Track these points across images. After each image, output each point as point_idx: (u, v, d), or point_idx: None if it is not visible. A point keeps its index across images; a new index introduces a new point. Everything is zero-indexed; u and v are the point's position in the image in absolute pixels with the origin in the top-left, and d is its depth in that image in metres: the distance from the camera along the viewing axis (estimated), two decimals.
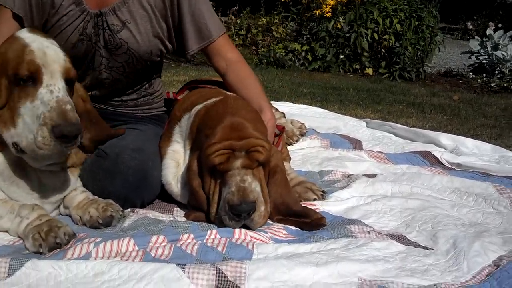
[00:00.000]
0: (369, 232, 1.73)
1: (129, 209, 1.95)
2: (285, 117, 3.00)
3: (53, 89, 1.58)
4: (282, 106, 3.65)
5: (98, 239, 1.59)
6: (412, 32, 6.84)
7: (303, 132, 2.97)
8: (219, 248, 1.61)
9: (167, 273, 1.39)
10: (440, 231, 1.72)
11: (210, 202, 1.81)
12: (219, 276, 1.41)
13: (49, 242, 1.57)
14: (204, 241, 1.65)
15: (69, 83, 1.66)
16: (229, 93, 2.09)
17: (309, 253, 1.55)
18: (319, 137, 2.94)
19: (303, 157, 2.63)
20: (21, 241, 1.64)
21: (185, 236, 1.67)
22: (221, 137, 1.73)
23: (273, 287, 1.40)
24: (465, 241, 1.63)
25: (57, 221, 1.65)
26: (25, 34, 1.66)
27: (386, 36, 6.77)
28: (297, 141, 2.88)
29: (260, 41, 7.59)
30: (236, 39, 7.69)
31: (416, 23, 6.86)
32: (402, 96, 5.06)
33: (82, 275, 1.40)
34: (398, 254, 1.58)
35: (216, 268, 1.43)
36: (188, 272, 1.40)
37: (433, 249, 1.64)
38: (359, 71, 6.95)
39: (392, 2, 7.05)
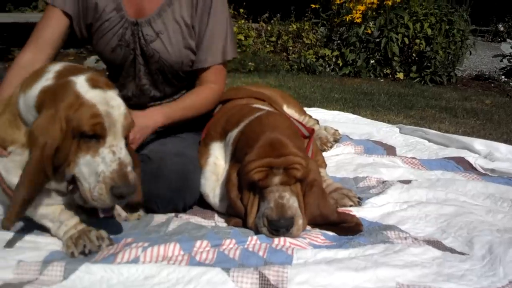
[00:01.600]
0: (405, 238, 1.77)
1: (173, 214, 2.04)
2: (318, 124, 3.06)
3: (115, 150, 1.61)
4: (315, 112, 3.70)
5: (146, 244, 1.67)
6: (443, 36, 6.80)
7: (337, 139, 3.02)
8: (260, 253, 1.68)
9: (213, 277, 1.47)
10: (475, 237, 1.75)
11: (248, 213, 1.88)
12: (262, 280, 1.48)
13: (78, 247, 1.66)
14: (246, 246, 1.72)
15: (126, 138, 1.70)
16: (266, 108, 2.15)
17: (347, 259, 1.60)
18: (352, 144, 2.98)
19: (337, 163, 2.67)
20: None
21: (227, 241, 1.74)
22: (260, 154, 1.80)
23: None
24: (501, 247, 1.66)
25: (90, 228, 1.74)
26: (88, 91, 1.61)
27: (417, 41, 6.75)
28: (331, 147, 2.92)
29: (291, 48, 7.64)
30: (267, 46, 7.76)
31: (447, 27, 6.82)
32: (434, 101, 5.04)
33: (133, 278, 1.48)
34: (434, 260, 1.62)
35: (259, 272, 1.50)
36: (233, 276, 1.47)
37: (469, 254, 1.67)
38: (390, 76, 6.94)
39: (423, 6, 7.03)
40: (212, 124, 2.24)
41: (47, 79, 1.65)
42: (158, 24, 2.21)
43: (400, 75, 6.82)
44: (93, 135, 1.58)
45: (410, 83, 6.45)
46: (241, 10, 8.66)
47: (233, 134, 2.02)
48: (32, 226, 1.84)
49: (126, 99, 2.24)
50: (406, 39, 6.82)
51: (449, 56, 6.79)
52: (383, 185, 2.33)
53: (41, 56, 2.17)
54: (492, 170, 2.52)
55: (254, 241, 1.75)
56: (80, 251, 1.66)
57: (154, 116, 2.11)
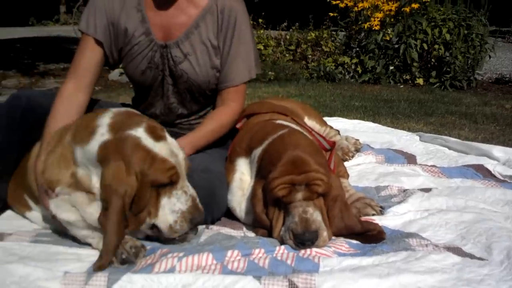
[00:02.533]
0: (426, 245, 1.85)
1: (203, 226, 2.15)
2: (339, 135, 3.15)
3: (186, 190, 1.89)
4: (336, 122, 3.81)
5: (181, 254, 1.78)
6: (461, 41, 6.84)
7: (358, 148, 3.11)
8: (288, 262, 1.78)
9: (246, 285, 1.57)
10: (494, 243, 1.83)
11: (273, 226, 1.99)
12: (291, 286, 1.58)
13: (118, 258, 1.79)
14: (274, 255, 1.82)
15: None
16: (289, 125, 2.25)
17: (371, 266, 1.69)
18: (373, 153, 3.07)
19: (359, 173, 2.76)
20: None
21: (257, 250, 1.84)
22: (282, 172, 1.90)
23: None
24: None
25: (127, 238, 1.86)
26: (155, 145, 1.81)
27: (436, 46, 6.80)
28: (352, 157, 3.01)
29: (310, 56, 7.75)
30: (287, 54, 7.87)
31: (465, 31, 6.86)
32: (454, 107, 5.09)
33: (171, 286, 1.59)
34: (454, 265, 1.70)
35: (288, 279, 1.60)
36: (264, 284, 1.58)
37: (487, 260, 1.75)
38: (410, 82, 6.99)
39: (441, 11, 7.09)
40: (238, 140, 2.35)
41: (102, 134, 1.83)
42: (186, 46, 2.33)
43: (420, 81, 6.87)
44: (169, 183, 1.84)
45: (430, 88, 6.49)
46: (260, 20, 8.80)
47: (258, 151, 2.12)
48: (73, 239, 1.98)
49: (154, 117, 2.41)
50: (425, 45, 6.87)
51: (468, 61, 6.83)
52: (404, 194, 2.41)
53: (82, 85, 2.30)
54: (511, 177, 2.58)
55: (282, 250, 1.85)
56: (120, 261, 1.78)
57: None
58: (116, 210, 1.73)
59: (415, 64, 6.93)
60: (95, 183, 1.83)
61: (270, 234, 2.01)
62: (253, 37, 2.50)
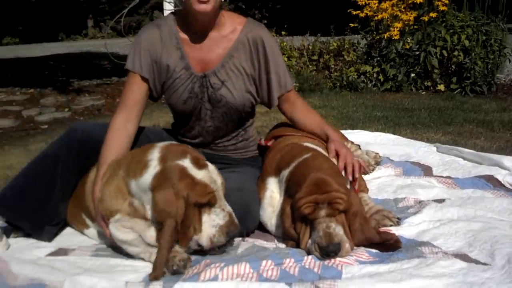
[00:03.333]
0: (437, 253, 2.10)
1: (240, 238, 2.44)
2: (360, 149, 3.41)
3: (224, 208, 2.19)
4: (357, 135, 4.07)
5: (222, 264, 2.05)
6: (480, 47, 7.01)
7: (378, 161, 3.37)
8: (315, 270, 2.05)
9: None
10: (497, 249, 2.06)
11: (301, 240, 2.26)
12: None
13: (169, 269, 2.08)
14: (303, 264, 2.09)
15: None
16: (315, 149, 2.52)
17: (387, 272, 1.95)
18: (392, 166, 3.32)
19: (379, 185, 3.01)
20: None
21: (287, 260, 2.11)
22: (307, 192, 2.17)
23: None
24: None
25: (175, 251, 2.15)
26: (197, 172, 2.13)
27: (455, 53, 6.98)
28: (373, 170, 3.27)
29: (333, 66, 7.98)
30: (310, 65, 8.12)
31: (484, 37, 7.04)
32: (473, 114, 5.29)
33: None
34: (460, 270, 1.94)
35: (315, 285, 1.87)
36: None
37: (490, 265, 1.98)
38: (431, 88, 7.18)
39: (459, 18, 7.27)
40: (268, 161, 2.63)
41: (155, 167, 2.15)
42: (222, 74, 2.63)
43: (441, 87, 7.06)
44: (208, 203, 2.15)
45: (450, 94, 6.67)
46: (283, 33, 9.08)
47: (286, 173, 2.40)
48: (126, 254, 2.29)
49: (192, 138, 2.71)
50: (444, 52, 7.06)
51: (488, 66, 6.98)
52: (420, 205, 2.65)
53: (131, 116, 2.60)
54: None
55: (309, 260, 2.11)
56: (171, 272, 2.08)
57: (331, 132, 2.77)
58: (170, 229, 2.06)
59: (435, 70, 7.12)
60: (148, 209, 2.16)
61: (298, 246, 2.29)
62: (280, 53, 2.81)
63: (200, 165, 2.16)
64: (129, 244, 2.25)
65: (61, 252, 2.39)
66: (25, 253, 2.38)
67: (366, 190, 2.76)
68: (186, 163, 2.13)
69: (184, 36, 2.66)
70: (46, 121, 6.86)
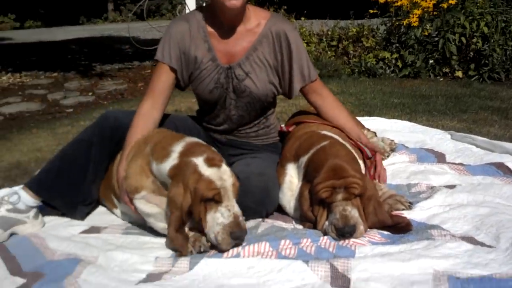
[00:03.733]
0: (445, 235, 2.24)
1: (260, 219, 2.61)
2: (376, 136, 3.53)
3: (230, 208, 2.25)
4: (374, 122, 4.20)
5: (244, 243, 2.24)
6: (499, 34, 7.03)
7: (393, 148, 3.49)
8: (330, 249, 2.21)
9: (297, 267, 2.02)
10: (502, 233, 2.19)
11: (318, 222, 2.42)
12: (332, 269, 2.01)
13: (196, 249, 2.27)
14: (319, 243, 2.26)
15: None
16: (332, 137, 2.65)
17: (397, 252, 2.10)
18: (407, 152, 3.44)
19: (393, 171, 3.14)
20: None
21: (304, 240, 2.28)
22: (325, 177, 2.33)
23: (371, 277, 1.95)
24: None
25: (199, 235, 2.34)
26: (207, 170, 2.26)
27: (474, 40, 7.01)
28: (388, 156, 3.39)
29: (351, 52, 8.05)
30: (329, 51, 8.20)
31: (503, 24, 7.05)
32: (489, 101, 5.36)
33: (239, 268, 2.06)
34: (466, 252, 2.08)
35: (330, 263, 2.03)
36: (311, 266, 2.02)
37: (495, 247, 2.12)
38: (449, 74, 7.22)
39: (478, 5, 7.29)
40: (288, 148, 2.78)
41: (174, 159, 2.32)
42: (246, 65, 2.77)
43: (459, 74, 7.09)
44: (214, 199, 2.24)
45: (468, 81, 6.72)
46: (303, 18, 9.16)
47: (304, 159, 2.55)
48: (158, 232, 2.48)
49: (217, 125, 2.87)
50: (463, 38, 7.10)
51: (506, 53, 7.01)
52: (431, 190, 2.78)
53: (157, 104, 2.77)
54: None
55: (325, 240, 2.28)
56: (197, 251, 2.26)
57: (364, 138, 2.98)
58: (175, 217, 2.24)
59: (454, 57, 7.15)
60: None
61: (315, 227, 2.44)
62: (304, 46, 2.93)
63: (211, 164, 2.28)
64: (154, 217, 2.43)
65: (94, 230, 2.58)
66: (60, 230, 2.58)
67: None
68: (199, 161, 2.27)
69: (211, 29, 2.80)
70: (71, 105, 7.03)
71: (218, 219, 2.25)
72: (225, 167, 2.32)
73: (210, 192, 2.22)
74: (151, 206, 2.42)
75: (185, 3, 7.57)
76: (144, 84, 8.13)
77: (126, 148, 2.61)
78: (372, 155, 2.86)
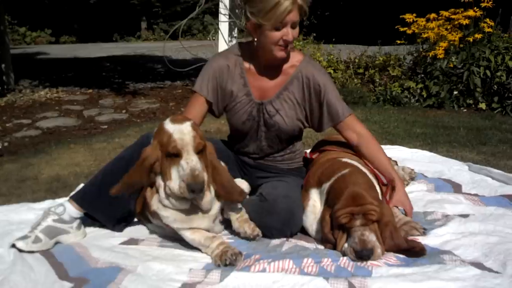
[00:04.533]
0: (455, 260, 2.42)
1: (285, 238, 2.83)
2: (397, 165, 3.74)
3: (188, 161, 2.48)
4: (396, 151, 4.40)
5: (269, 259, 2.45)
6: None
7: (413, 177, 3.69)
8: (349, 268, 2.41)
9: (318, 283, 2.22)
10: (509, 260, 2.36)
11: (337, 243, 2.63)
12: (350, 286, 2.21)
13: (223, 262, 2.49)
14: (338, 263, 2.46)
15: (200, 152, 2.55)
16: (353, 164, 2.86)
17: (410, 274, 2.29)
18: (425, 181, 3.64)
19: (411, 199, 3.30)
20: None
21: (325, 259, 2.48)
22: (345, 204, 2.54)
23: None
24: None
25: (228, 247, 2.57)
26: (170, 126, 2.55)
27: (498, 73, 7.16)
28: (407, 185, 3.59)
29: (377, 80, 8.26)
30: (355, 78, 8.42)
31: None
32: (509, 134, 5.48)
33: (265, 282, 2.26)
34: (474, 276, 2.26)
35: (348, 281, 2.23)
36: (331, 283, 2.22)
37: (501, 273, 2.30)
38: (473, 106, 7.35)
39: (504, 40, 7.45)
40: (311, 174, 3.01)
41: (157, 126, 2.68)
42: (277, 103, 3.02)
43: (483, 105, 7.20)
44: (175, 154, 2.50)
45: (491, 114, 6.83)
46: (331, 46, 9.42)
47: (326, 185, 2.78)
48: (190, 246, 2.71)
49: (247, 154, 3.15)
50: (488, 71, 7.24)
51: None
52: (446, 219, 2.96)
53: None
54: None
55: (344, 260, 2.48)
56: (224, 264, 2.49)
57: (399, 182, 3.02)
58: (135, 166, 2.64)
59: (478, 89, 7.27)
60: None
61: (335, 248, 2.65)
62: (334, 85, 3.14)
63: (174, 121, 2.57)
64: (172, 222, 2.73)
65: (132, 241, 2.83)
66: (102, 241, 2.83)
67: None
68: (167, 120, 2.60)
69: (247, 66, 3.07)
70: (106, 122, 7.33)
71: (179, 172, 2.50)
72: (186, 124, 2.56)
73: (169, 145, 2.49)
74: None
75: (218, 28, 7.86)
76: (175, 104, 8.43)
77: None
78: (388, 182, 3.05)
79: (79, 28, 28.08)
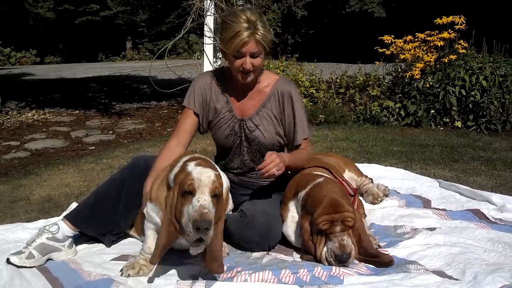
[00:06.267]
0: (419, 269, 2.66)
1: (265, 252, 3.06)
2: (372, 182, 3.99)
3: (200, 200, 2.40)
4: (372, 169, 4.64)
5: (250, 271, 2.66)
6: (497, 87, 7.50)
7: (386, 194, 3.94)
8: (323, 278, 2.63)
9: None
10: (468, 268, 2.59)
11: (317, 249, 2.86)
12: None
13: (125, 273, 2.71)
14: (313, 273, 2.67)
15: (215, 196, 2.51)
16: (324, 175, 3.12)
17: (377, 282, 2.52)
18: (398, 198, 3.89)
19: (383, 214, 3.57)
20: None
21: (301, 270, 2.69)
22: (324, 212, 2.79)
23: None
24: (483, 275, 2.49)
25: (140, 265, 2.74)
26: (191, 166, 2.56)
27: (472, 93, 7.48)
28: (381, 201, 3.84)
29: (358, 99, 8.54)
30: (336, 98, 8.70)
31: (500, 79, 7.54)
32: (482, 152, 5.75)
33: None
34: (435, 283, 2.48)
35: None
36: None
37: (460, 280, 2.53)
38: (449, 124, 7.64)
39: (477, 60, 7.79)
40: (288, 188, 3.27)
41: (178, 167, 2.71)
42: (256, 119, 3.27)
43: (458, 124, 7.49)
44: (189, 191, 2.45)
45: (466, 131, 7.10)
46: (313, 66, 9.71)
47: (302, 193, 3.04)
48: (178, 262, 2.90)
49: (232, 169, 3.35)
50: (463, 91, 7.55)
51: (504, 105, 7.44)
52: (414, 232, 3.20)
53: (181, 141, 3.26)
54: (500, 220, 3.34)
55: (319, 270, 2.70)
56: (121, 273, 2.71)
57: (285, 156, 3.10)
58: (166, 220, 2.56)
59: (454, 108, 7.58)
60: None
61: (314, 259, 2.86)
62: (304, 107, 3.39)
63: (198, 164, 2.57)
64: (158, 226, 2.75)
65: (123, 257, 3.02)
66: (94, 257, 3.02)
67: (364, 217, 3.35)
68: (191, 163, 2.60)
69: (230, 85, 3.33)
70: (93, 143, 7.50)
71: (189, 210, 2.41)
72: (209, 169, 2.54)
73: (186, 183, 2.44)
74: (160, 216, 2.77)
75: (203, 49, 8.10)
76: (161, 124, 8.63)
77: (153, 171, 3.04)
78: (354, 192, 3.31)
79: (64, 48, 28.27)
